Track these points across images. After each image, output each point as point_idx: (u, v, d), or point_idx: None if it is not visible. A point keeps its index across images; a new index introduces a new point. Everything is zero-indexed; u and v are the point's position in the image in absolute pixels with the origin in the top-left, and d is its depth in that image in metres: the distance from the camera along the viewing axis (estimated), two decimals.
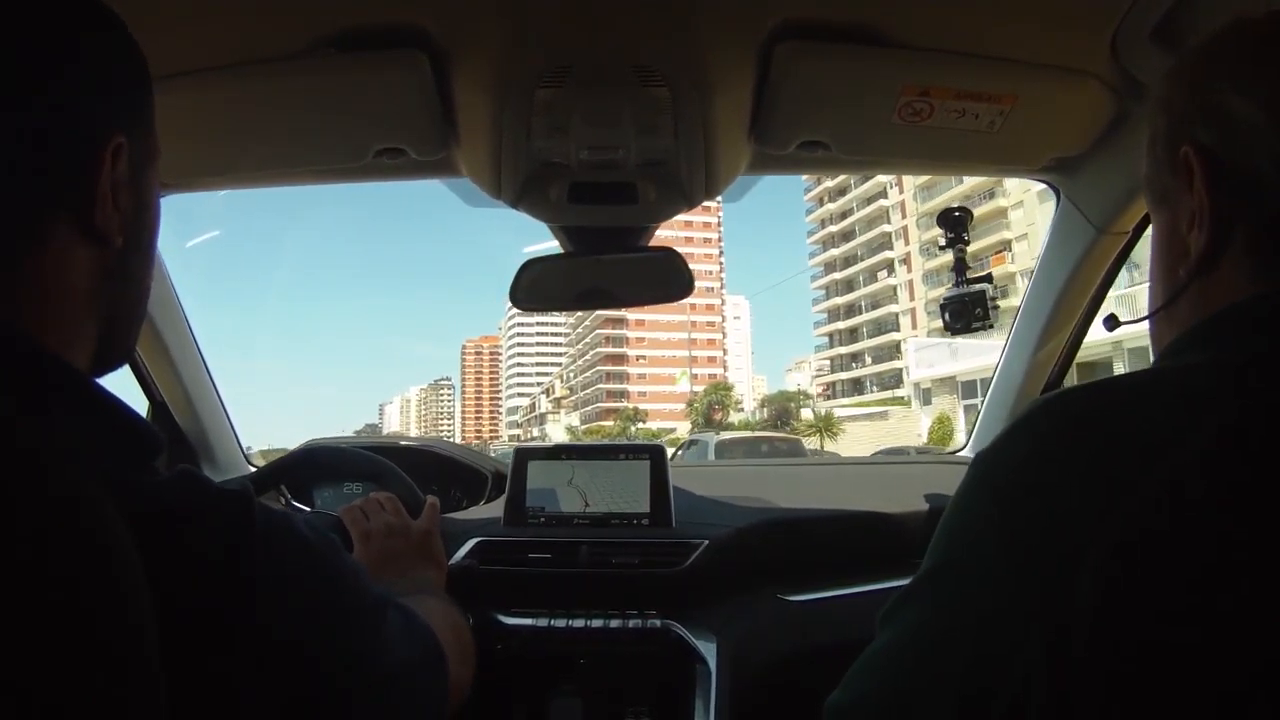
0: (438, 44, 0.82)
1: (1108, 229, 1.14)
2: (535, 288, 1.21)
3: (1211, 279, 0.48)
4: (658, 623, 1.13)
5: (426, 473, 1.38)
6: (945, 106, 0.92)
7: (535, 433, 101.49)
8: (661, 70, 0.86)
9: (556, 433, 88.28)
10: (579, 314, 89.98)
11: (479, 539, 1.21)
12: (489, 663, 1.13)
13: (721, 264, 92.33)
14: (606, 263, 1.22)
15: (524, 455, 1.30)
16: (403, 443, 1.49)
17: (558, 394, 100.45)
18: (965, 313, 1.18)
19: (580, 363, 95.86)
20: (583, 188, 1.04)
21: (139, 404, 1.35)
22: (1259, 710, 0.34)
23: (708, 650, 1.09)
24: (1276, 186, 0.44)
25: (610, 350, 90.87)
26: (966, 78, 0.89)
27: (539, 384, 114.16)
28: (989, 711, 0.39)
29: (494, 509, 1.31)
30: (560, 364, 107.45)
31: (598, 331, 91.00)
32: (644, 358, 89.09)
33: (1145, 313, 0.54)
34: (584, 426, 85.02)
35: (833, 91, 0.91)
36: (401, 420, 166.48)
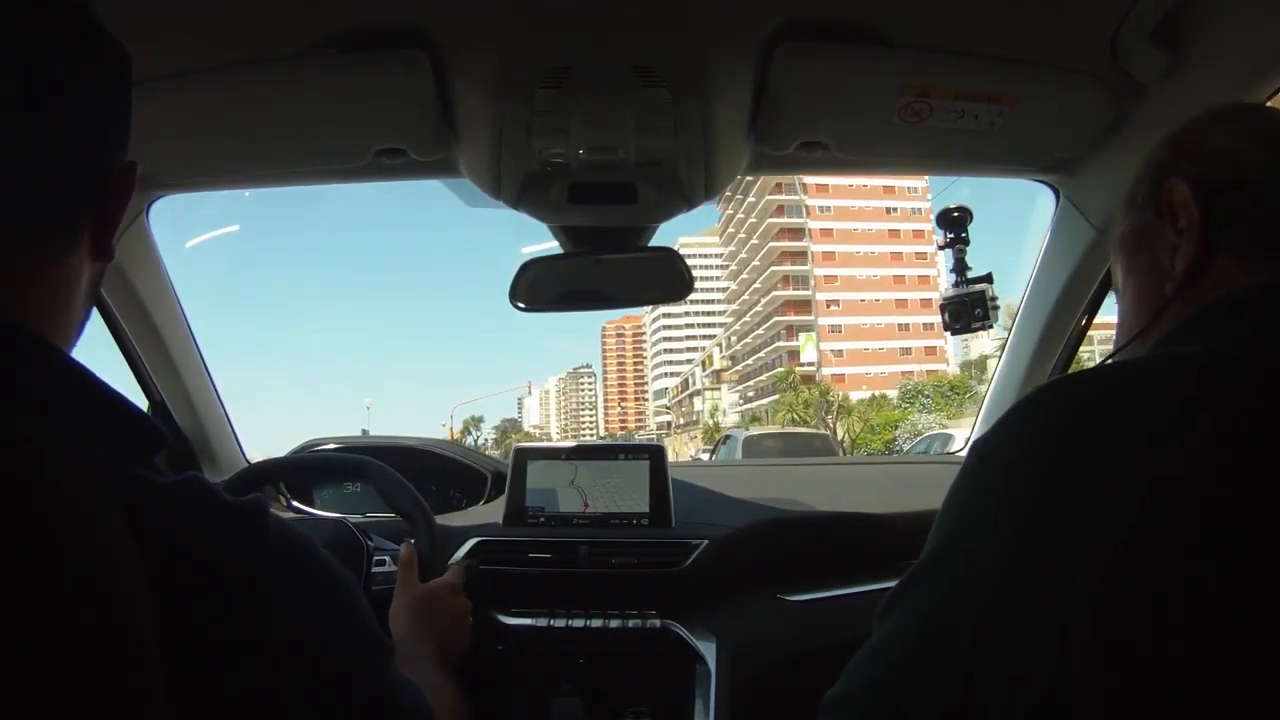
0: (438, 44, 0.82)
1: (1108, 229, 1.14)
2: (535, 288, 1.21)
3: (1199, 285, 0.50)
4: (657, 623, 1.13)
5: (426, 473, 1.38)
6: (945, 107, 0.92)
7: (695, 410, 78.85)
8: (661, 70, 0.86)
9: (717, 415, 65.83)
10: (742, 259, 67.17)
11: (479, 539, 1.21)
12: (489, 663, 1.13)
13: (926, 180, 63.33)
14: (607, 263, 1.22)
15: (524, 455, 1.30)
16: (403, 443, 1.49)
17: (716, 365, 75.91)
18: (964, 313, 1.18)
19: (750, 318, 67.52)
20: (583, 188, 1.04)
21: (138, 404, 1.35)
22: (1260, 702, 0.34)
23: (707, 650, 1.09)
24: (1269, 189, 0.48)
25: (791, 294, 60.66)
26: (966, 78, 0.89)
27: (691, 360, 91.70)
28: (995, 690, 0.39)
29: (494, 509, 1.31)
30: (718, 330, 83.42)
31: (773, 269, 61.59)
32: (837, 304, 59.24)
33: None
34: (763, 404, 55.99)
35: (833, 92, 0.91)
36: (541, 413, 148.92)
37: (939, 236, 1.23)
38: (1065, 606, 0.37)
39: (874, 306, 59.72)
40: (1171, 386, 0.42)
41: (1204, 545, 0.36)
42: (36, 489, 0.30)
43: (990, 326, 1.20)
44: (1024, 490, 0.42)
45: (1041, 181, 1.19)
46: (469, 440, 70.66)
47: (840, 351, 58.39)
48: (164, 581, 0.34)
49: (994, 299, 1.19)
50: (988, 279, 1.20)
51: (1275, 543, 0.36)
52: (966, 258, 1.22)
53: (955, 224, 1.21)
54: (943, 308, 1.21)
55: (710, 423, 62.07)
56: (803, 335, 57.10)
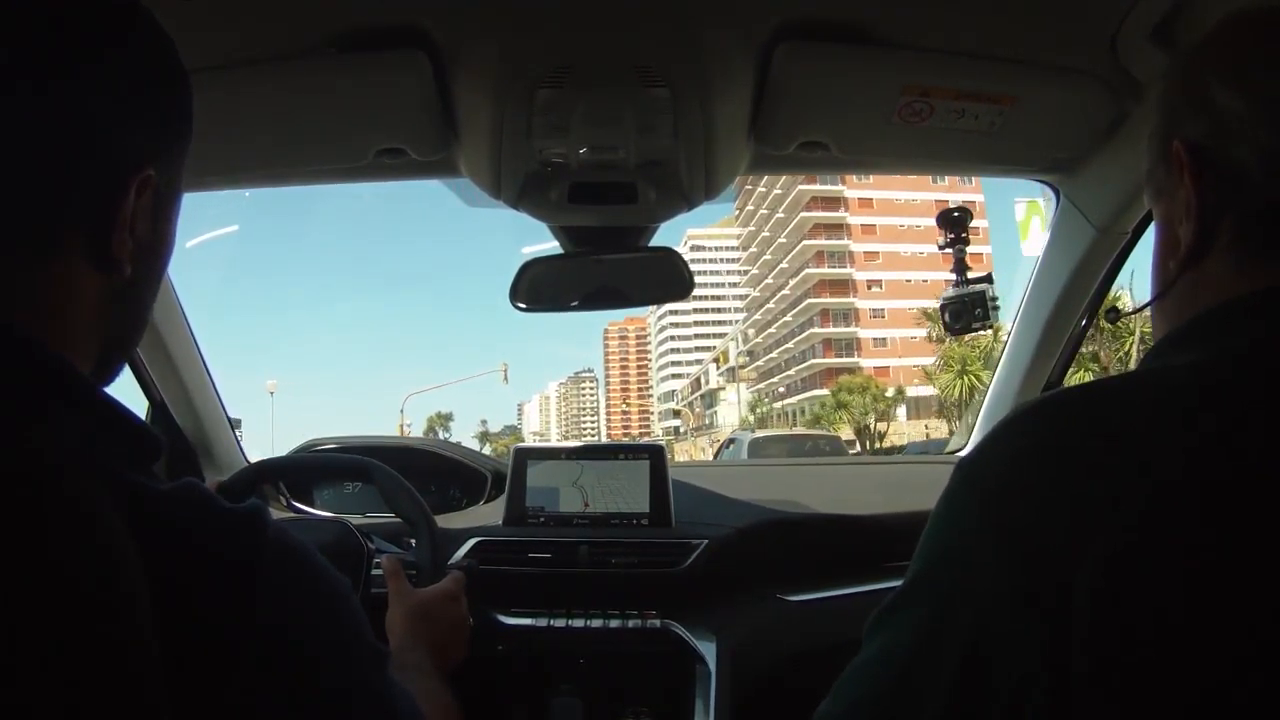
0: (438, 44, 0.82)
1: (1108, 229, 1.14)
2: (535, 288, 1.22)
3: (1199, 272, 0.48)
4: (657, 623, 1.13)
5: (426, 473, 1.38)
6: (945, 107, 0.92)
7: (705, 415, 70.07)
8: (661, 70, 0.86)
9: (733, 416, 56.43)
10: (764, 238, 60.20)
11: (479, 539, 1.21)
12: (489, 663, 1.13)
13: None
14: (607, 263, 1.23)
15: (524, 455, 1.30)
16: (404, 443, 1.50)
17: (733, 362, 66.26)
18: (965, 313, 1.19)
19: (775, 304, 58.77)
20: (583, 188, 1.04)
21: (139, 404, 1.35)
22: (1261, 696, 0.34)
23: (707, 650, 1.09)
24: (1259, 178, 0.44)
25: (827, 271, 52.01)
26: (966, 78, 0.89)
27: (700, 361, 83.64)
28: (997, 694, 0.39)
29: (494, 509, 1.31)
30: (729, 328, 75.41)
31: (805, 243, 53.02)
32: (879, 285, 51.25)
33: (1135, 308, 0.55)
34: (795, 400, 49.58)
35: (833, 91, 0.92)
36: (541, 419, 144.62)
37: (940, 237, 1.23)
38: (1065, 605, 0.37)
39: (922, 289, 50.55)
40: (1171, 392, 0.42)
41: (1206, 542, 0.37)
42: (36, 488, 0.30)
43: (990, 327, 1.21)
44: (1007, 515, 0.41)
45: (1041, 181, 1.19)
46: None
47: (884, 340, 50.84)
48: (162, 584, 0.34)
49: (994, 299, 1.19)
50: (988, 279, 1.20)
51: (1276, 540, 0.36)
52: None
53: (955, 224, 1.21)
54: (943, 308, 1.22)
55: (749, 418, 55.29)
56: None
